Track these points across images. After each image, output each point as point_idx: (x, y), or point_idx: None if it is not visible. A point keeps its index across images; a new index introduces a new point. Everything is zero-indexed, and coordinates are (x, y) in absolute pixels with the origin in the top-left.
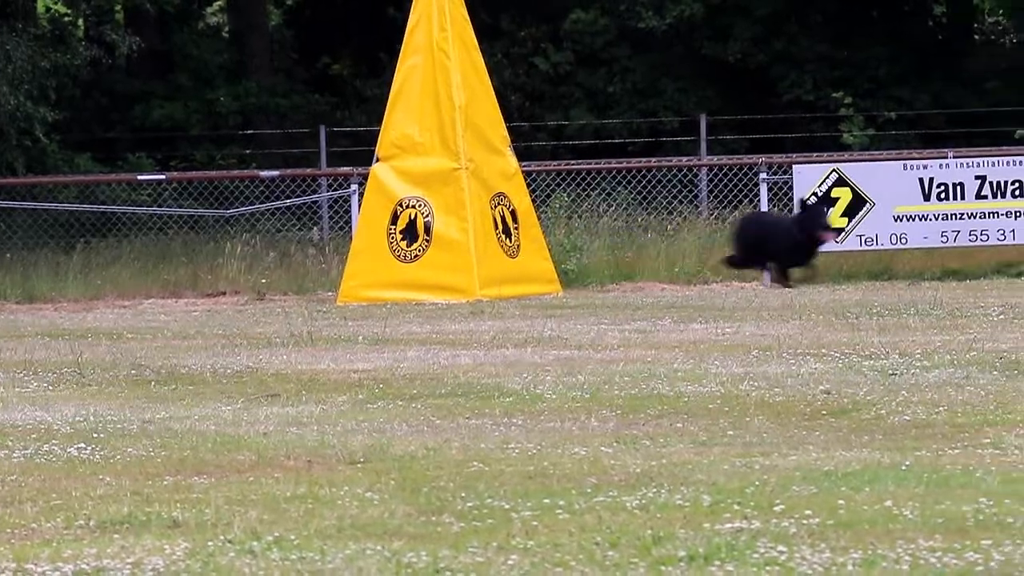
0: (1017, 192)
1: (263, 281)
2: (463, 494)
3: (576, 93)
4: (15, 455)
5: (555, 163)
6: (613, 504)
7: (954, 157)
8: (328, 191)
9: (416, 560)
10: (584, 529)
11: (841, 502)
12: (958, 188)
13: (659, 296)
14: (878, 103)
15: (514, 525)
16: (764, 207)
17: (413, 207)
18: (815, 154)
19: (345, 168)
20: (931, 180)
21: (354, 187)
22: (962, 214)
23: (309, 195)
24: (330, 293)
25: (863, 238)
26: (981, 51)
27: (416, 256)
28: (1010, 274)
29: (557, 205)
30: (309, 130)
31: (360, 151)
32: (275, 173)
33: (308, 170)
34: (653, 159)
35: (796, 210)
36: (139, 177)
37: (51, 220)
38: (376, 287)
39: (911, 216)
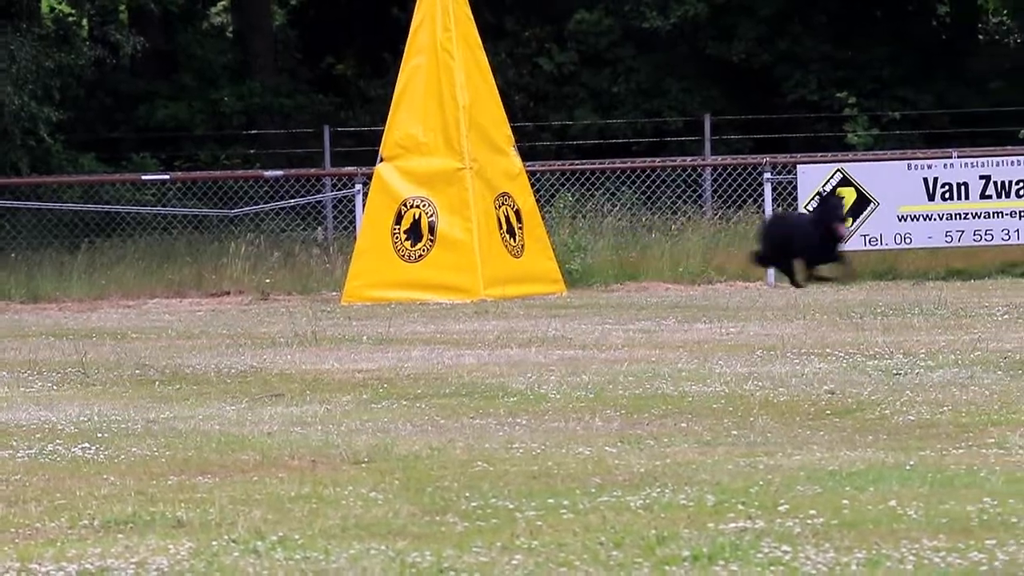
0: (1021, 192)
1: (267, 281)
2: (467, 494)
3: (580, 93)
4: (19, 455)
5: (559, 163)
6: (617, 504)
7: (958, 157)
8: (332, 191)
9: (420, 560)
10: (588, 529)
11: (845, 502)
12: (962, 188)
13: (663, 296)
14: (882, 103)
15: (518, 525)
16: (768, 207)
17: (417, 207)
18: (819, 154)
19: (349, 168)
20: (935, 180)
21: (358, 187)
22: (966, 214)
23: (313, 195)
24: (334, 293)
25: (867, 238)
26: (985, 51)
27: (420, 256)
28: (1014, 274)
29: (561, 205)
30: (313, 130)
31: (364, 151)
32: (279, 173)
33: (312, 170)
34: (657, 159)
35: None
36: (143, 177)
37: (55, 220)
38: (380, 287)
39: (915, 216)
